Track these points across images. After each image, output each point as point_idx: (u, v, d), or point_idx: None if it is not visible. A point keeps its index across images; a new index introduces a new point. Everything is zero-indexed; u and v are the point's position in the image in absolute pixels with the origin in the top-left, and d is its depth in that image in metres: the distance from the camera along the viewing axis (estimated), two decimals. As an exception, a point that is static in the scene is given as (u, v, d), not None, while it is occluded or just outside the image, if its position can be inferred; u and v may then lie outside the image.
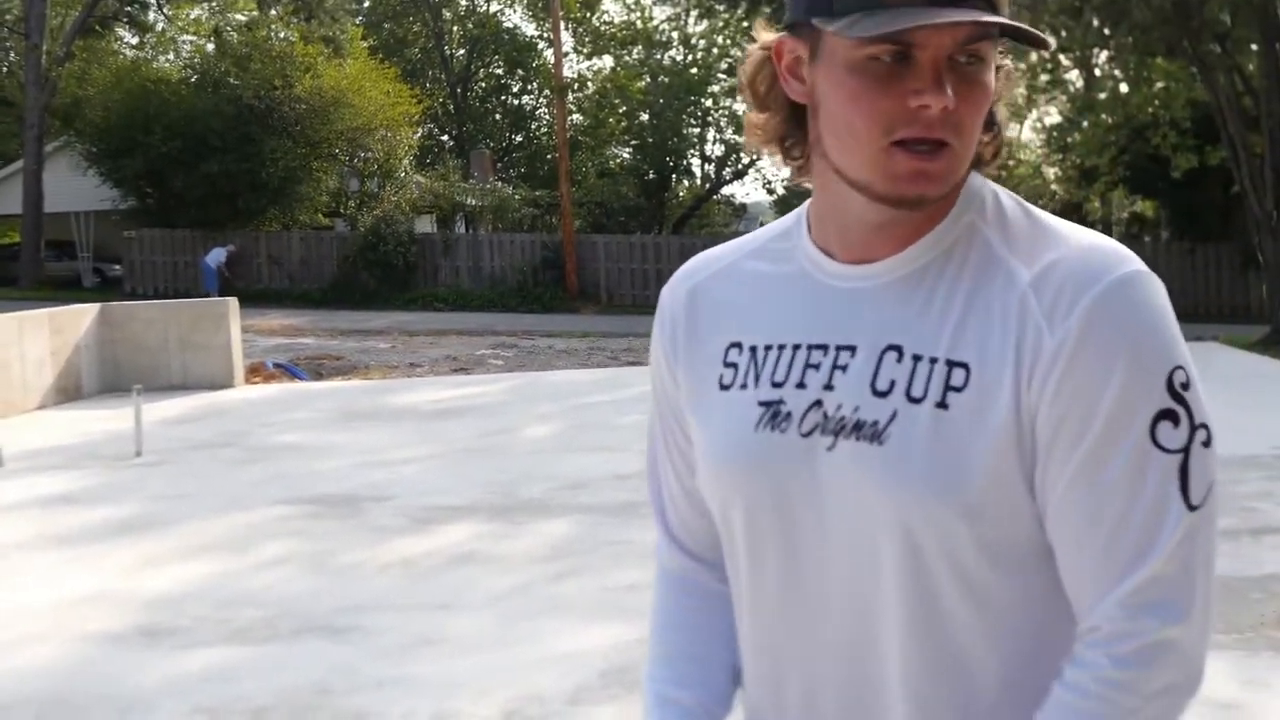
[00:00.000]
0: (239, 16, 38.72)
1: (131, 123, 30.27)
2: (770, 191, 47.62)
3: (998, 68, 1.21)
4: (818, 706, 1.30)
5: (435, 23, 49.81)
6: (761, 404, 1.27)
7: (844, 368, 1.23)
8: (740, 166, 44.21)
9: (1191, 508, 1.15)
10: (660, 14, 46.80)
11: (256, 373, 16.88)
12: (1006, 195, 1.27)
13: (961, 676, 1.23)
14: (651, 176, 43.68)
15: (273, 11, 36.97)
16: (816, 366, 1.25)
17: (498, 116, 50.08)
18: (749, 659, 1.38)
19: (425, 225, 34.18)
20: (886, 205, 1.20)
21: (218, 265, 29.09)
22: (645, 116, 43.14)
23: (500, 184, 38.16)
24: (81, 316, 15.28)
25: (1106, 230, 35.22)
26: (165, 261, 31.20)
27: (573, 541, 7.27)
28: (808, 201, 1.32)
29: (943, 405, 1.18)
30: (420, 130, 40.23)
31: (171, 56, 40.19)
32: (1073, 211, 31.52)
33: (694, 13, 41.87)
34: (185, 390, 15.15)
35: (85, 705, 4.86)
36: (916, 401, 1.19)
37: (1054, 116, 35.12)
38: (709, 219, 47.98)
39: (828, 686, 1.29)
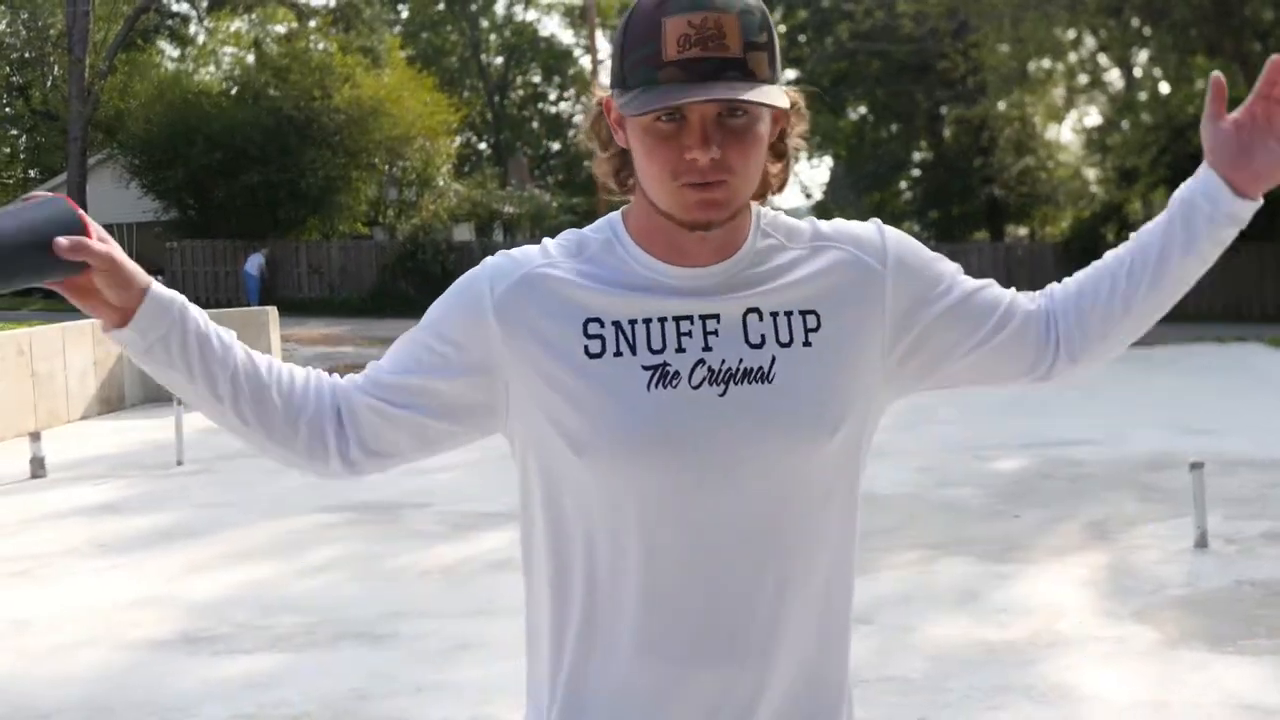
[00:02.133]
0: (278, 28, 38.96)
1: (173, 135, 30.54)
2: (808, 197, 47.56)
3: (792, 104, 1.52)
4: (728, 635, 1.51)
5: (472, 32, 50.03)
6: (646, 368, 1.49)
7: (715, 332, 1.51)
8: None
9: None
10: (696, 20, 46.71)
11: (297, 381, 17.00)
12: (771, 211, 1.61)
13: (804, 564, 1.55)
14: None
15: (311, 23, 37.22)
16: (689, 334, 1.50)
17: (535, 124, 50.24)
18: (642, 601, 1.51)
19: (464, 233, 34.29)
20: (685, 229, 1.49)
21: (259, 270, 29.30)
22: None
23: (538, 191, 38.25)
24: (124, 327, 15.43)
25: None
26: (206, 272, 31.43)
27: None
28: (609, 220, 1.59)
29: (808, 344, 1.52)
30: (458, 139, 40.39)
31: (212, 69, 40.54)
32: (1113, 213, 31.27)
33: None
34: (227, 399, 15.24)
35: (128, 711, 4.91)
36: (786, 346, 1.52)
37: (1094, 117, 34.94)
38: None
39: (736, 605, 1.51)
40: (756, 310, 1.52)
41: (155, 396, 15.25)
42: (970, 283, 1.65)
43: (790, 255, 1.57)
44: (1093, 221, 31.33)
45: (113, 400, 14.88)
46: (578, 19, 45.94)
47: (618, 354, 1.49)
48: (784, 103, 1.46)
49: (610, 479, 1.50)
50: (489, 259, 1.58)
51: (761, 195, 1.56)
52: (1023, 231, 41.75)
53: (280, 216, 31.30)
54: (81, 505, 9.11)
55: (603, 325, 1.50)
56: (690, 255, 1.52)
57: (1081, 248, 29.58)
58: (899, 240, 1.62)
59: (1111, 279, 1.63)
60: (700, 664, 1.52)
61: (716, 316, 1.51)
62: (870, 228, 1.62)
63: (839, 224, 1.63)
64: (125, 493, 9.59)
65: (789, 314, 1.53)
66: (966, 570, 6.51)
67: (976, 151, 35.94)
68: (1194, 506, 6.72)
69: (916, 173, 42.00)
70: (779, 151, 1.56)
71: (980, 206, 37.85)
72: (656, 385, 1.48)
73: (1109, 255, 1.66)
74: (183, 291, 1.53)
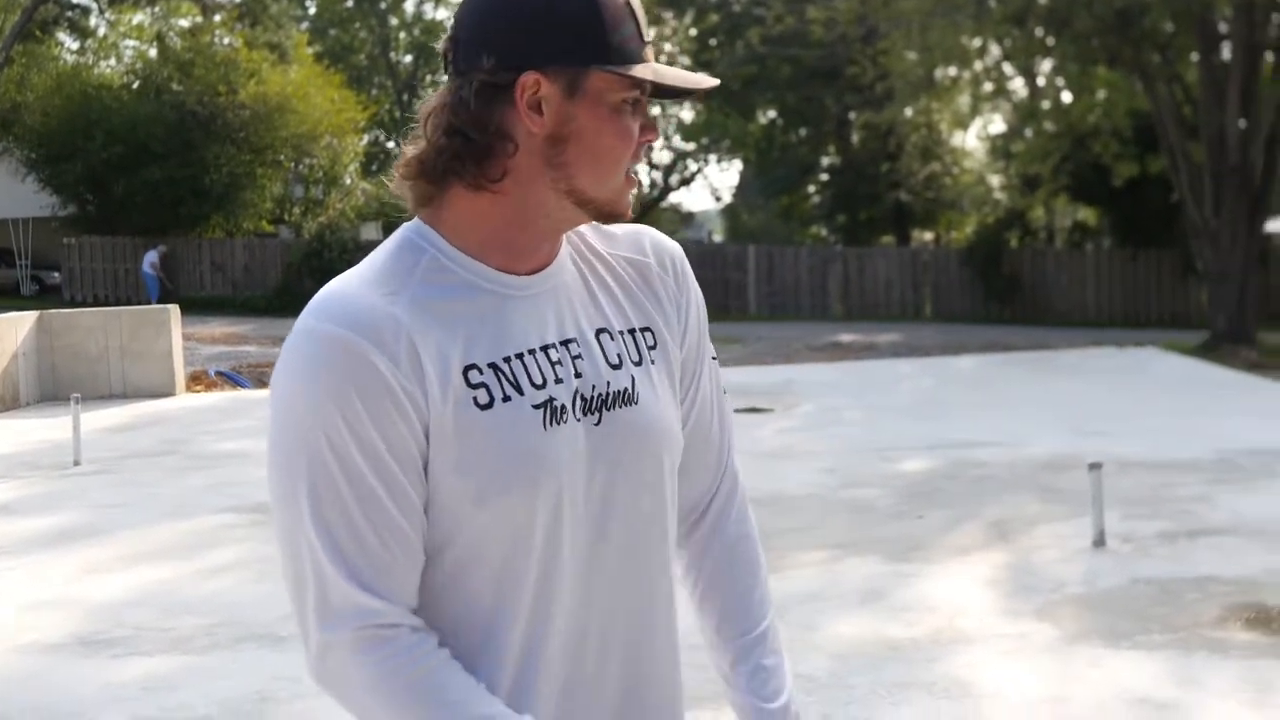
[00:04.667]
0: (182, 22, 38.32)
1: (72, 128, 29.91)
2: (718, 199, 47.76)
3: None
4: (610, 646, 1.51)
5: (381, 29, 49.65)
6: (536, 407, 1.44)
7: (579, 356, 1.48)
8: (688, 174, 44.28)
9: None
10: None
11: (198, 380, 16.73)
12: None
13: (670, 577, 1.59)
14: (598, 183, 43.58)
15: (216, 17, 36.66)
16: (559, 362, 1.47)
17: (444, 123, 49.77)
18: (558, 629, 1.47)
19: (371, 232, 34.01)
20: (604, 219, 1.49)
21: (154, 267, 28.74)
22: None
23: (447, 191, 37.94)
24: (19, 324, 15.08)
25: (1050, 238, 35.62)
26: (105, 269, 30.83)
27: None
28: (418, 233, 1.45)
29: (652, 362, 1.55)
30: (366, 137, 40.03)
31: (113, 62, 39.71)
32: (1016, 219, 31.82)
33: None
34: (125, 399, 14.98)
35: (24, 716, 4.80)
36: (638, 364, 1.53)
37: (998, 125, 35.48)
38: (657, 227, 48.01)
39: (621, 621, 1.52)
40: (605, 330, 1.52)
41: (52, 395, 14.93)
42: (714, 376, 1.67)
43: (606, 254, 1.57)
44: (996, 227, 31.86)
45: (7, 399, 14.53)
46: (488, 18, 45.65)
47: (506, 399, 1.41)
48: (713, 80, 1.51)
49: (512, 523, 1.42)
50: (326, 328, 1.36)
51: None
52: (928, 236, 42.34)
53: (183, 213, 30.77)
54: (-26, 506, 8.88)
55: (481, 371, 1.41)
56: (529, 258, 1.47)
57: (985, 253, 30.09)
58: (693, 284, 1.65)
59: (709, 586, 1.67)
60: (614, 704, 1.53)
61: (574, 341, 1.48)
62: (671, 252, 1.62)
63: (640, 235, 1.61)
64: (21, 493, 9.37)
65: (632, 331, 1.54)
66: (871, 570, 6.58)
67: (884, 157, 36.38)
68: (1092, 507, 6.86)
69: (825, 177, 42.41)
70: None
71: (887, 211, 38.33)
72: (551, 423, 1.44)
73: (741, 584, 1.66)
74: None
